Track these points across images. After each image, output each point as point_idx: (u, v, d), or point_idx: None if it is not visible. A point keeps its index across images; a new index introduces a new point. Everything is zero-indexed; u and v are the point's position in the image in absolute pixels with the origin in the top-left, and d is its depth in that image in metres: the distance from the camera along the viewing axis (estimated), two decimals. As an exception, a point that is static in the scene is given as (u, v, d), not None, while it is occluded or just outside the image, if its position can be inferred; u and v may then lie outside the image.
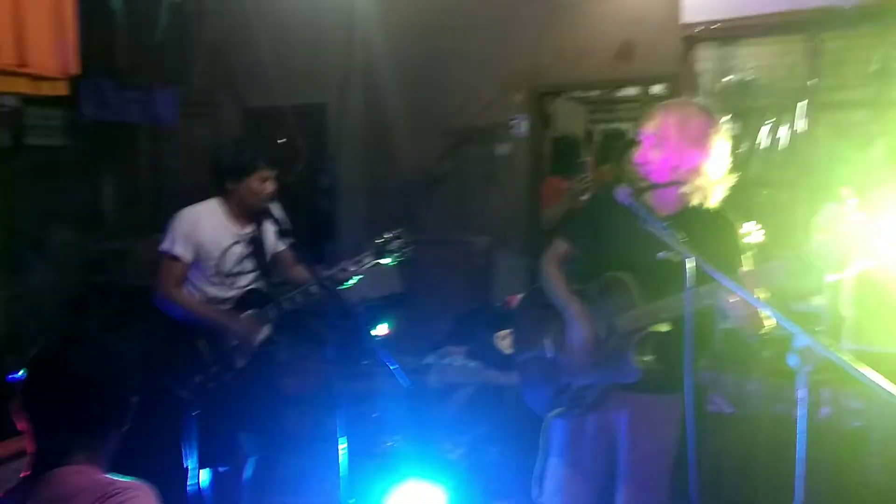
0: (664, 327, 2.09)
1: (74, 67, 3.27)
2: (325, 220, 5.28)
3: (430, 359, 3.55)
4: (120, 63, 4.18)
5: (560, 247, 2.41)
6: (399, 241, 2.77)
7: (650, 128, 2.13)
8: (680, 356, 1.90)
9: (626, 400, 2.23)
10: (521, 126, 4.86)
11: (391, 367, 2.48)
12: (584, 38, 4.68)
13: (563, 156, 4.77)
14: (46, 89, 3.22)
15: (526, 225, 4.88)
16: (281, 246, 2.93)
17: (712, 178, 2.12)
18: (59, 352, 1.53)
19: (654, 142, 2.12)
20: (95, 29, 4.05)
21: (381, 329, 4.37)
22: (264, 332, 2.82)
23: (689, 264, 1.82)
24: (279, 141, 5.21)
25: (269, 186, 2.78)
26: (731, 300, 1.93)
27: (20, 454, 2.34)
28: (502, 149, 4.93)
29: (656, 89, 5.69)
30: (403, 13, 5.02)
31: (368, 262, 2.75)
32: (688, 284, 1.82)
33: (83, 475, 1.40)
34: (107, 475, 1.42)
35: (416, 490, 2.82)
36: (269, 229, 2.85)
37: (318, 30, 5.17)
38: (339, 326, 2.59)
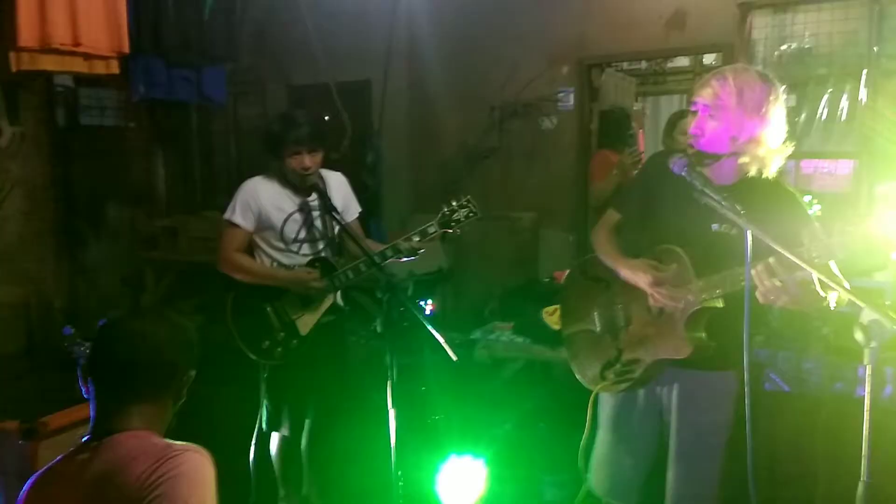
0: (718, 303, 2.04)
1: (125, 47, 3.35)
2: (369, 197, 5.30)
3: (476, 334, 3.54)
4: (168, 42, 4.25)
5: (612, 217, 2.37)
6: (466, 209, 2.73)
7: (706, 97, 2.04)
8: (734, 333, 1.85)
9: (677, 376, 2.19)
10: (568, 99, 4.78)
11: (439, 341, 2.49)
12: (633, 8, 4.55)
13: (611, 129, 4.65)
14: (100, 68, 3.30)
15: (572, 200, 4.81)
16: (350, 216, 2.99)
17: (770, 147, 2.03)
18: (122, 324, 1.60)
19: (711, 111, 2.03)
20: (144, 8, 4.12)
21: (428, 304, 4.40)
22: (329, 299, 2.88)
23: (749, 237, 1.76)
24: (323, 118, 5.23)
25: (305, 161, 2.80)
26: (793, 276, 1.86)
27: (86, 421, 2.44)
28: (548, 123, 4.86)
29: (708, 59, 5.52)
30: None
31: (433, 231, 2.73)
32: (747, 258, 1.77)
33: (141, 439, 1.45)
34: (165, 440, 1.47)
35: (461, 465, 2.84)
36: (336, 199, 2.90)
37: (362, 5, 5.15)
38: (388, 300, 2.60)
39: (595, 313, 2.35)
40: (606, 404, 2.35)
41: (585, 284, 2.42)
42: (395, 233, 5.10)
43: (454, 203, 2.70)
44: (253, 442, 3.01)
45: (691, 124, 2.08)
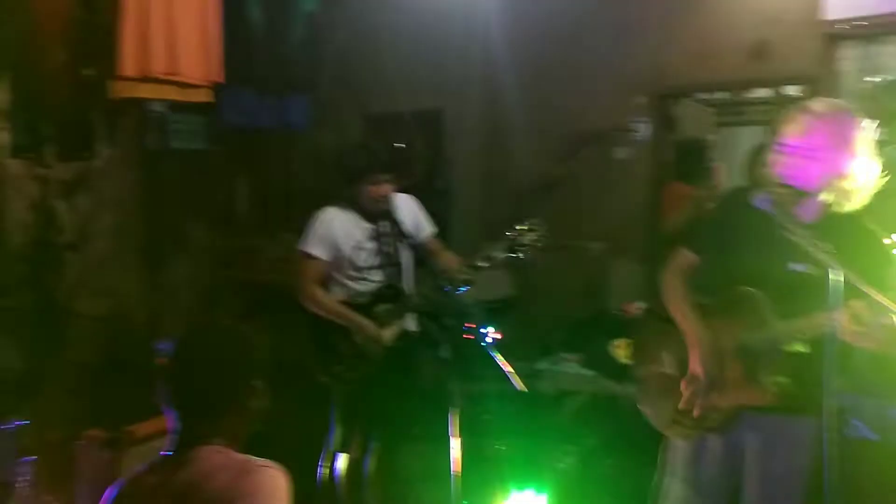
0: (800, 347, 1.96)
1: (218, 76, 3.53)
2: (439, 224, 5.35)
3: (542, 364, 3.51)
4: (256, 72, 4.46)
5: (684, 257, 2.30)
6: (534, 233, 2.70)
7: (795, 134, 1.99)
8: (816, 378, 1.77)
9: (756, 422, 2.10)
10: (643, 129, 4.71)
11: (505, 371, 2.48)
12: (713, 37, 4.47)
13: (687, 161, 4.56)
14: (193, 96, 3.50)
15: (644, 232, 4.72)
16: (424, 234, 3.04)
17: (858, 183, 1.97)
18: (197, 335, 1.64)
19: (802, 150, 1.98)
20: (235, 39, 4.34)
21: (492, 332, 4.37)
22: (397, 327, 2.92)
23: (835, 279, 1.69)
24: (397, 146, 5.34)
25: (385, 190, 2.88)
26: (881, 320, 1.77)
27: (163, 433, 2.53)
28: (622, 153, 4.80)
29: (790, 90, 5.35)
30: (523, 15, 5.00)
31: (500, 255, 2.75)
32: (833, 301, 1.69)
33: (220, 454, 1.48)
34: (243, 455, 1.50)
35: (522, 498, 2.79)
36: (407, 222, 2.96)
37: (438, 36, 5.26)
38: (454, 326, 2.61)
39: (669, 355, 2.29)
40: (678, 449, 2.28)
41: (659, 325, 2.35)
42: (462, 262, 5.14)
43: (519, 227, 2.73)
44: (320, 462, 3.06)
45: (779, 162, 2.03)
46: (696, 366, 2.13)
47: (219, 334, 1.65)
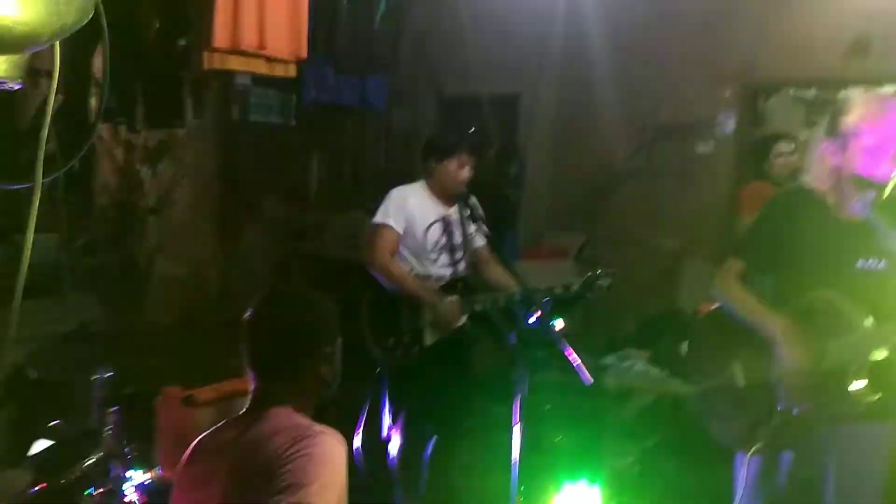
0: (881, 353, 1.87)
1: (304, 52, 3.60)
2: (509, 209, 5.32)
3: (609, 359, 3.46)
4: (339, 50, 4.51)
5: (736, 266, 2.18)
6: (609, 280, 2.78)
7: (873, 125, 1.89)
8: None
9: (833, 432, 2.01)
10: (728, 123, 4.54)
11: (573, 363, 2.45)
12: (811, 31, 4.25)
13: (769, 159, 4.36)
14: (279, 71, 3.58)
15: (723, 230, 4.56)
16: (479, 242, 3.03)
17: None
18: (273, 302, 1.67)
19: (876, 140, 1.89)
20: (320, 16, 4.39)
21: (559, 323, 4.32)
22: (462, 319, 2.93)
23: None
24: (472, 129, 5.32)
25: (466, 171, 2.89)
26: None
27: (239, 393, 2.61)
28: (704, 147, 4.64)
29: (890, 90, 5.06)
30: (609, 2, 4.88)
31: (575, 290, 2.78)
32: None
33: (287, 416, 1.52)
34: (307, 419, 1.53)
35: (579, 490, 2.77)
36: (472, 223, 2.95)
37: (519, 19, 5.19)
38: (524, 315, 2.59)
39: (735, 367, 2.16)
40: (749, 469, 2.18)
41: (718, 336, 2.24)
42: (529, 248, 5.10)
43: (600, 271, 2.82)
44: (358, 440, 3.08)
45: (852, 157, 1.93)
46: (791, 358, 2.00)
47: (294, 300, 1.69)
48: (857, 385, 1.92)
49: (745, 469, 2.18)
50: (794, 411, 2.02)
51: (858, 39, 4.13)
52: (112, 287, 4.52)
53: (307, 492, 1.37)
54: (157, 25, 3.98)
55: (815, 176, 2.05)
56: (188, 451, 1.61)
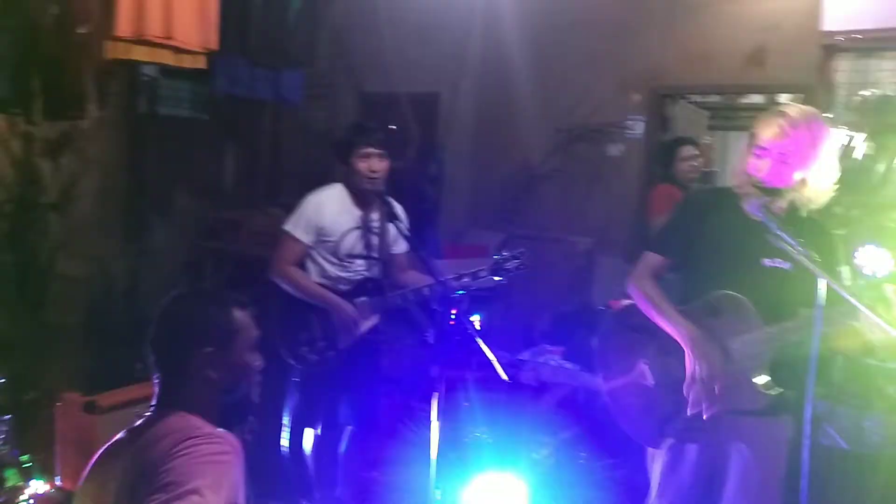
0: (785, 349, 1.99)
1: (214, 43, 3.48)
2: (428, 208, 5.34)
3: (525, 355, 3.53)
4: (252, 43, 4.39)
5: (652, 261, 2.26)
6: (518, 261, 2.79)
7: (775, 140, 2.02)
8: (795, 381, 1.81)
9: (736, 426, 2.12)
10: (637, 127, 4.73)
11: (490, 359, 2.49)
12: (713, 41, 4.49)
13: (674, 162, 4.57)
14: (187, 62, 3.45)
15: (632, 229, 4.75)
16: (398, 249, 3.02)
17: (824, 185, 2.06)
18: (163, 305, 1.63)
19: (784, 158, 2.02)
20: (232, 7, 4.26)
21: (474, 320, 4.39)
22: (372, 320, 2.92)
23: (821, 282, 1.72)
24: (391, 127, 5.31)
25: (375, 164, 2.86)
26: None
27: (142, 399, 2.51)
28: (615, 149, 4.82)
29: (784, 98, 5.40)
30: (526, 6, 4.98)
31: (484, 276, 2.80)
32: (818, 303, 1.73)
33: (182, 419, 1.50)
34: (201, 422, 1.50)
35: (498, 482, 2.82)
36: (391, 226, 2.93)
37: (438, 19, 5.22)
38: (440, 313, 2.61)
39: (643, 365, 2.25)
40: (658, 463, 2.27)
41: (626, 335, 2.31)
42: (450, 246, 5.14)
43: (506, 253, 2.81)
44: (286, 439, 3.04)
45: (761, 169, 2.05)
46: (697, 364, 2.08)
47: (179, 300, 1.65)
48: (760, 380, 2.03)
49: (655, 463, 2.28)
50: (704, 415, 2.11)
51: (755, 50, 4.39)
52: (9, 287, 4.25)
53: (185, 490, 1.34)
54: (55, 11, 3.75)
55: (734, 177, 2.17)
56: (91, 463, 1.56)
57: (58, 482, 2.33)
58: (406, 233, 2.87)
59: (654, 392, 2.23)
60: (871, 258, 2.85)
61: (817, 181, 2.04)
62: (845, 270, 2.08)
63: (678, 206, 2.40)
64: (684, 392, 2.13)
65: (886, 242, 3.39)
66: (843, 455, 2.65)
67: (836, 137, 2.11)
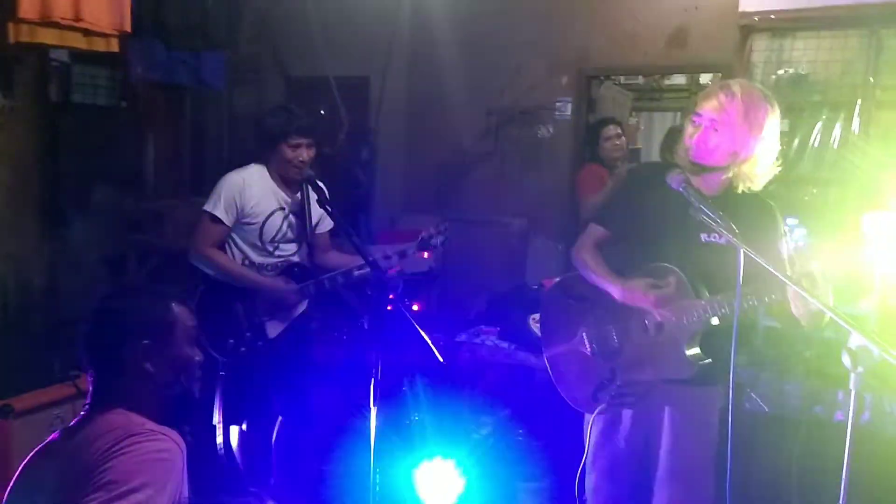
0: (714, 320, 2.05)
1: (127, 25, 3.31)
2: (361, 193, 5.28)
3: (462, 337, 3.54)
4: (169, 25, 4.21)
5: (594, 232, 2.33)
6: (443, 236, 2.83)
7: (711, 109, 2.04)
8: (724, 351, 1.87)
9: (668, 394, 2.19)
10: (566, 109, 4.79)
11: (426, 342, 2.49)
12: (636, 23, 4.57)
13: (600, 142, 4.66)
14: (99, 45, 3.26)
15: (564, 209, 4.82)
16: (322, 229, 2.95)
17: (763, 165, 2.06)
18: (101, 302, 1.58)
19: (716, 125, 2.04)
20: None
21: (413, 304, 4.38)
22: (302, 306, 2.85)
23: (742, 255, 1.77)
24: (320, 112, 5.21)
25: (303, 154, 2.79)
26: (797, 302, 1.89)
27: (60, 401, 2.40)
28: (545, 131, 4.87)
29: (705, 79, 5.57)
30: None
31: (411, 251, 2.79)
32: (740, 276, 1.78)
33: (121, 416, 1.46)
34: (143, 419, 1.46)
35: (438, 468, 2.83)
36: (317, 209, 2.86)
37: (366, 1, 5.14)
38: (375, 298, 2.59)
39: (583, 333, 2.32)
40: (593, 429, 2.33)
41: (568, 304, 2.38)
42: (383, 231, 5.11)
43: (432, 229, 2.85)
44: (218, 434, 2.97)
45: (693, 136, 2.09)
46: (646, 297, 2.11)
47: (111, 293, 1.63)
48: (691, 351, 2.09)
49: (590, 429, 2.34)
50: (635, 380, 2.18)
51: (677, 31, 4.49)
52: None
53: (127, 489, 1.30)
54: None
55: (678, 154, 2.18)
56: (21, 466, 1.49)
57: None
58: (331, 211, 2.80)
59: (591, 359, 2.29)
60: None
61: (754, 160, 2.04)
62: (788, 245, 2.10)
63: (621, 181, 2.45)
64: (616, 355, 2.19)
65: (802, 216, 3.56)
66: (765, 418, 2.77)
67: (777, 116, 2.08)
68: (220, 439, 2.92)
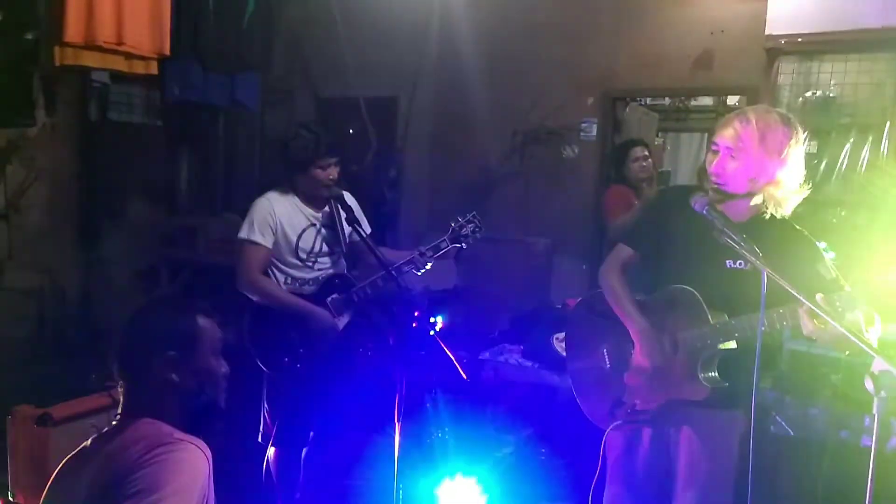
0: (731, 344, 2.06)
1: (166, 49, 3.44)
2: (388, 212, 5.36)
3: (485, 355, 3.57)
4: (206, 47, 4.35)
5: (622, 253, 2.35)
6: (473, 224, 2.80)
7: (728, 137, 2.06)
8: (745, 374, 1.87)
9: (687, 415, 2.20)
10: (591, 129, 4.83)
11: (451, 360, 2.52)
12: (662, 45, 4.61)
13: (627, 163, 4.68)
14: (139, 68, 3.39)
15: (588, 229, 4.84)
16: (356, 235, 3.00)
17: (788, 189, 2.06)
18: (130, 315, 1.63)
19: (732, 152, 2.06)
20: (185, 13, 4.22)
21: (437, 321, 4.41)
22: (346, 317, 2.89)
23: (765, 279, 1.78)
24: (349, 131, 5.32)
25: (333, 172, 2.84)
26: (807, 321, 1.89)
27: (97, 410, 2.47)
28: (570, 151, 4.91)
29: (732, 100, 5.57)
30: (482, 11, 5.04)
31: (444, 246, 2.80)
32: (763, 301, 1.79)
33: (151, 426, 1.51)
34: (171, 429, 1.51)
35: (460, 486, 2.85)
36: (350, 214, 2.91)
37: (395, 24, 5.24)
38: (401, 314, 2.63)
39: (604, 350, 2.36)
40: (613, 447, 2.35)
41: (593, 320, 2.41)
42: (408, 250, 5.16)
43: (461, 219, 2.81)
44: (255, 445, 3.03)
45: (712, 163, 2.11)
46: (641, 357, 2.20)
47: (143, 306, 1.66)
48: (706, 373, 2.11)
49: (606, 443, 2.36)
50: (638, 406, 2.22)
51: (703, 53, 4.52)
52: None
53: (156, 497, 1.35)
54: (1, 17, 3.65)
55: (705, 178, 2.20)
56: (56, 472, 1.55)
57: (12, 496, 2.27)
58: (365, 228, 2.86)
59: (610, 375, 2.31)
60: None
61: (777, 184, 2.04)
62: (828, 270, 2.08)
63: (650, 202, 2.47)
64: (626, 381, 2.22)
65: (830, 239, 3.53)
66: (790, 441, 2.75)
67: (799, 139, 2.06)
68: (269, 452, 2.97)
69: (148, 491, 1.35)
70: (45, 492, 1.54)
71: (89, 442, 1.56)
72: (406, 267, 2.78)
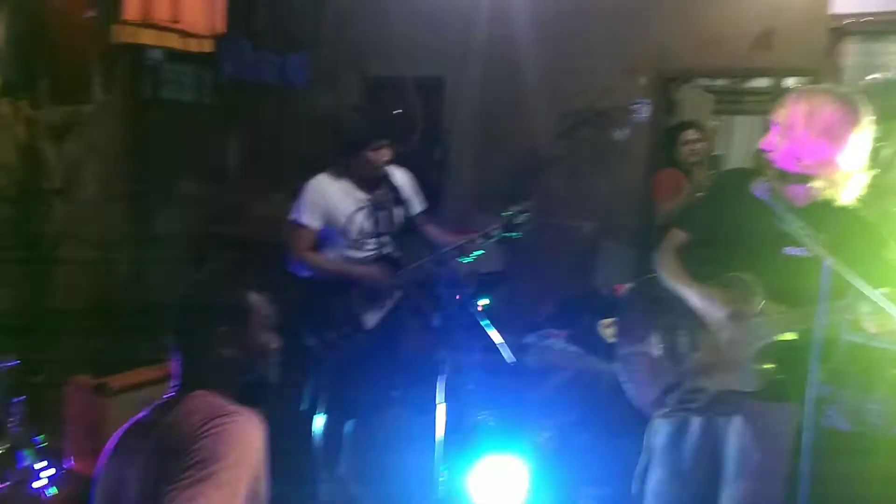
0: (789, 335, 2.00)
1: (220, 27, 3.47)
2: (433, 193, 5.35)
3: (529, 339, 3.55)
4: (257, 25, 4.38)
5: (676, 237, 2.31)
6: (526, 214, 2.79)
7: (779, 115, 2.03)
8: (801, 366, 1.82)
9: (739, 406, 2.15)
10: (643, 111, 4.71)
11: (496, 342, 2.51)
12: (720, 24, 4.45)
13: (680, 146, 4.56)
14: (193, 46, 3.44)
15: (637, 214, 4.75)
16: (416, 209, 3.02)
17: (844, 172, 1.97)
18: (183, 289, 1.67)
19: (781, 130, 2.01)
20: (238, -9, 4.25)
21: (482, 304, 4.41)
22: (396, 296, 2.93)
23: (827, 268, 1.72)
24: (396, 112, 5.31)
25: (385, 155, 2.86)
26: (867, 313, 1.82)
27: (153, 381, 2.54)
28: (620, 134, 4.80)
29: (790, 82, 5.37)
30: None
31: (496, 234, 2.80)
32: (824, 289, 1.73)
33: (204, 398, 1.54)
34: (223, 401, 1.54)
35: (501, 464, 2.85)
36: (400, 195, 2.93)
37: (444, 2, 5.19)
38: (447, 295, 2.63)
39: (655, 336, 2.32)
40: (660, 433, 2.32)
41: (645, 305, 2.37)
42: (455, 231, 5.15)
43: (514, 207, 2.83)
44: (301, 420, 3.08)
45: (765, 140, 2.06)
46: (720, 311, 2.10)
47: (193, 283, 1.70)
48: (760, 364, 2.05)
49: (653, 431, 2.33)
50: (700, 387, 2.16)
51: (763, 33, 4.35)
52: (15, 272, 4.28)
53: (215, 468, 1.37)
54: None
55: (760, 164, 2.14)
56: (116, 437, 1.60)
57: (69, 463, 2.36)
58: (417, 206, 2.86)
59: (659, 363, 2.27)
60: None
61: (832, 167, 1.96)
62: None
63: (711, 184, 2.41)
64: (687, 359, 2.16)
65: (891, 228, 3.38)
66: (843, 436, 2.67)
67: (859, 121, 1.97)
68: (316, 425, 3.02)
69: (207, 461, 1.38)
70: (102, 460, 1.58)
71: (145, 412, 1.60)
72: (454, 252, 2.77)
